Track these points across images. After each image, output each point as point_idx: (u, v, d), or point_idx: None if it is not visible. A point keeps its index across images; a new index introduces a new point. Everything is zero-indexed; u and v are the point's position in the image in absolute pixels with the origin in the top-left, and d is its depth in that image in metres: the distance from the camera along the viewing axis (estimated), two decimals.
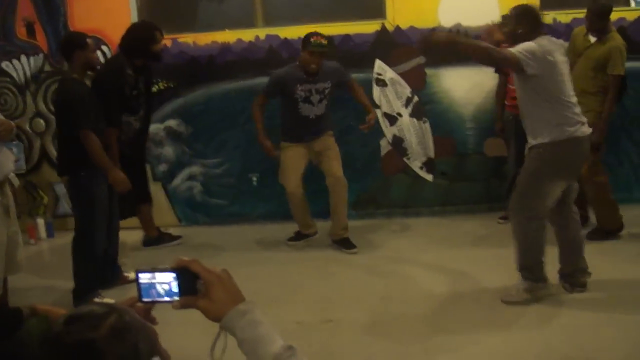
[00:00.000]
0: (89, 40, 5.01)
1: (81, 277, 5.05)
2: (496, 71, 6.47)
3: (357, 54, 6.83)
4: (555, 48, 4.42)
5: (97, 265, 5.12)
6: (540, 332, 4.09)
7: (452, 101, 6.87)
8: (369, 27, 6.85)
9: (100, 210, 5.02)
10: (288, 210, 6.37)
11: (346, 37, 6.85)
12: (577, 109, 4.47)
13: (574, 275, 4.69)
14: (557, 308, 4.45)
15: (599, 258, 5.00)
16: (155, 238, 6.43)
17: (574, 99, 4.48)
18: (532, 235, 4.49)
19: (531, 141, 4.52)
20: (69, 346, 1.31)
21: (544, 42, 4.37)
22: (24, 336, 2.83)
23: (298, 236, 6.31)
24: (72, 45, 4.95)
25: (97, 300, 4.90)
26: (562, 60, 4.44)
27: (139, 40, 5.65)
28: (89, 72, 5.16)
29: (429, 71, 6.84)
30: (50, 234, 7.18)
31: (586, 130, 4.48)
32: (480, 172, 6.97)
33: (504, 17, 5.81)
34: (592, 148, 5.05)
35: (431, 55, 6.52)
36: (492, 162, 6.92)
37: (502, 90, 6.47)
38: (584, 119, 4.52)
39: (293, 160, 6.05)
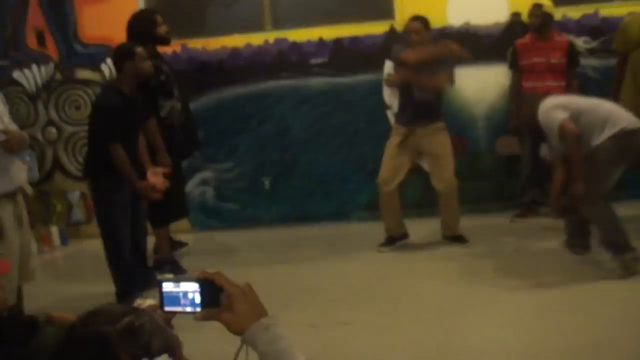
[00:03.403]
0: (138, 50, 5.02)
1: (117, 280, 5.10)
2: (510, 67, 6.44)
3: (367, 55, 6.82)
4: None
5: (128, 266, 5.13)
6: (557, 326, 4.07)
7: (463, 100, 6.85)
8: (378, 28, 6.85)
9: (120, 214, 5.03)
10: (300, 213, 6.38)
11: (355, 39, 6.85)
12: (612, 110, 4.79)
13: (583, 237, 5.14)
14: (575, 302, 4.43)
15: None
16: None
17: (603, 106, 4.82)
18: (608, 212, 4.77)
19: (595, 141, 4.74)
20: (84, 336, 1.33)
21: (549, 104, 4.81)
22: (39, 344, 2.83)
23: (388, 241, 6.02)
24: (121, 56, 5.02)
25: (139, 301, 4.91)
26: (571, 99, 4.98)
27: (141, 26, 5.64)
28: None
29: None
30: (64, 242, 7.21)
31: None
32: (493, 171, 6.95)
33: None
34: None
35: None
36: (505, 161, 6.90)
37: (516, 88, 6.42)
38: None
39: (395, 150, 5.84)
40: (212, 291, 1.48)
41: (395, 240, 5.99)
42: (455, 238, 5.92)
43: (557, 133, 4.70)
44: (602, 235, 4.85)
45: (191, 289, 1.49)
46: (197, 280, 1.49)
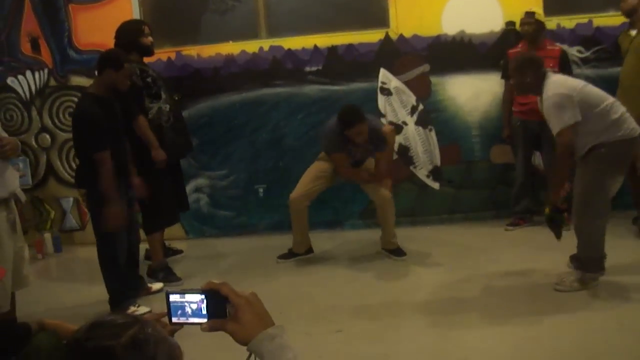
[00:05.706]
0: (126, 65, 5.01)
1: (111, 287, 5.09)
2: (503, 77, 6.46)
3: (362, 63, 6.84)
4: (564, 79, 4.73)
5: (122, 274, 5.13)
6: (551, 339, 4.07)
7: (457, 109, 6.86)
8: (372, 36, 6.86)
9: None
10: None
11: (350, 47, 6.85)
12: (619, 112, 4.58)
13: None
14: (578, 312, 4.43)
15: None
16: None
17: (610, 102, 4.60)
18: (596, 233, 4.66)
19: (586, 146, 4.59)
20: (88, 351, 1.32)
21: (557, 87, 4.56)
22: (32, 351, 2.82)
23: (289, 254, 6.16)
24: (106, 62, 4.96)
25: (133, 308, 4.94)
26: (579, 84, 4.65)
27: (128, 34, 5.68)
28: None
29: (434, 79, 6.83)
30: (57, 249, 7.18)
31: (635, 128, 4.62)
32: (486, 179, 6.95)
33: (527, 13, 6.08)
34: None
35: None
36: (498, 169, 6.91)
37: (509, 97, 6.44)
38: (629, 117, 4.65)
39: (314, 172, 6.01)
40: (218, 302, 1.49)
41: (294, 255, 6.15)
42: (392, 251, 6.01)
43: (553, 129, 4.58)
44: (580, 250, 4.77)
45: (197, 300, 1.51)
46: (202, 291, 1.51)
